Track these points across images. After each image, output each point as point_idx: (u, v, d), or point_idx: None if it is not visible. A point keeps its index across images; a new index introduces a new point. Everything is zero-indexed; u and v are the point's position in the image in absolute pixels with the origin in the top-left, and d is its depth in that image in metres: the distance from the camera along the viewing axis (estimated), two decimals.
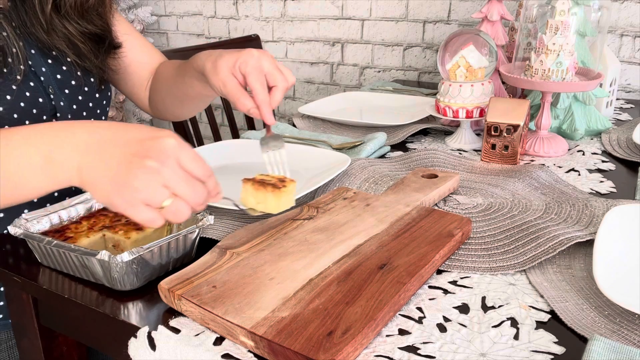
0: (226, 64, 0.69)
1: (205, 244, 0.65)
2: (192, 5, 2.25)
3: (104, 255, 0.55)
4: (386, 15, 1.78)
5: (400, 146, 1.05)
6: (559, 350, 0.48)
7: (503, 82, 1.13)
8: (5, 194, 0.49)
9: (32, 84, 0.77)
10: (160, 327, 0.52)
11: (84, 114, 0.86)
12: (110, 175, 0.47)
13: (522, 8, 1.10)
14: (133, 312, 0.55)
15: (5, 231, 0.75)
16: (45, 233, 0.64)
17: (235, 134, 1.60)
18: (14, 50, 0.73)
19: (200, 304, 0.51)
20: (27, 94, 0.76)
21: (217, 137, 1.55)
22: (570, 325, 0.51)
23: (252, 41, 1.65)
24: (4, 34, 0.72)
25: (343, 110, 1.28)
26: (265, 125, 0.71)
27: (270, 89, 0.68)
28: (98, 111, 0.90)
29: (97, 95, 0.88)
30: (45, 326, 0.68)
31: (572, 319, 0.52)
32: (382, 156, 0.99)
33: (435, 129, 1.14)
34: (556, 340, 0.49)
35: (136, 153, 0.48)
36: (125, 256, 0.54)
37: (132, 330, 0.53)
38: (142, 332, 0.52)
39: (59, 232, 0.65)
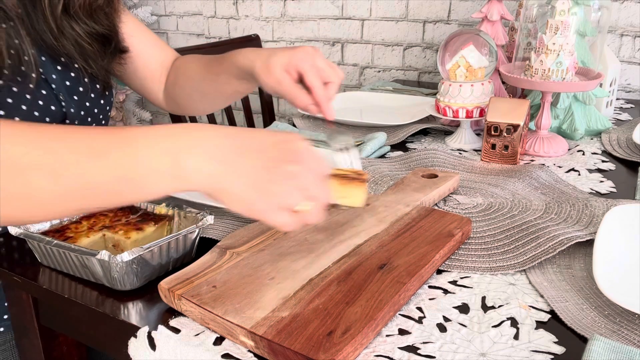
0: (280, 62, 0.69)
1: (205, 244, 0.65)
2: (192, 5, 2.25)
3: (104, 255, 0.55)
4: (386, 15, 1.78)
5: (400, 146, 1.05)
6: (559, 350, 0.48)
7: (503, 82, 1.13)
8: (127, 193, 0.48)
9: (44, 91, 0.76)
10: (160, 327, 0.52)
11: (89, 119, 0.86)
12: (250, 182, 0.47)
13: (522, 8, 1.10)
14: (133, 312, 0.55)
15: (5, 231, 0.75)
16: (45, 233, 0.64)
17: None
18: (26, 58, 0.72)
19: (200, 304, 0.51)
20: (41, 102, 0.75)
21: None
22: (570, 325, 0.51)
23: (252, 41, 1.65)
24: (16, 41, 0.71)
25: (343, 110, 1.28)
26: (326, 122, 0.72)
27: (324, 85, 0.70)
28: (101, 116, 0.89)
29: (101, 101, 0.87)
30: (45, 326, 0.68)
31: (572, 318, 0.52)
32: (382, 156, 0.99)
33: (435, 129, 1.14)
34: (556, 340, 0.49)
35: (274, 158, 0.48)
36: (125, 256, 0.54)
37: (132, 330, 0.53)
38: (142, 332, 0.52)
39: (59, 232, 0.65)
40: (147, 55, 0.93)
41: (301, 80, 0.71)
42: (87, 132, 0.48)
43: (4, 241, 0.70)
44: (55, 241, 0.59)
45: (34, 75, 0.72)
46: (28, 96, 0.73)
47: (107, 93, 0.88)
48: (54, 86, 0.78)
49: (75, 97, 0.81)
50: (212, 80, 0.84)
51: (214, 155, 0.47)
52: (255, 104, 2.00)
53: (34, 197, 0.45)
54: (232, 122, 1.60)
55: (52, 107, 0.77)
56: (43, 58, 0.77)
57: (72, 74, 0.81)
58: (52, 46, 0.77)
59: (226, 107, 1.57)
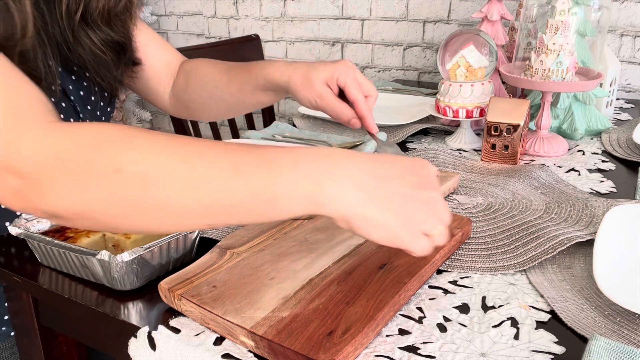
0: (322, 77, 0.70)
1: (205, 244, 0.65)
2: (192, 5, 2.25)
3: (104, 255, 0.55)
4: (386, 15, 1.78)
5: (400, 146, 1.04)
6: (559, 350, 0.48)
7: (503, 82, 1.13)
8: (260, 212, 0.46)
9: (63, 104, 0.75)
10: (161, 327, 0.52)
11: None
12: (393, 210, 0.47)
13: (522, 8, 1.10)
14: (133, 312, 0.55)
15: (5, 231, 0.75)
16: (45, 233, 0.64)
17: (235, 134, 1.60)
18: (45, 70, 0.69)
19: (200, 304, 0.51)
20: (62, 116, 0.74)
21: (217, 137, 1.56)
22: (570, 325, 0.51)
23: (252, 41, 1.65)
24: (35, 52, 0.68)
25: None
26: (370, 135, 0.74)
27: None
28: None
29: (108, 108, 0.86)
30: (45, 326, 0.68)
31: (572, 318, 0.52)
32: None
33: (435, 129, 1.14)
34: (556, 340, 0.49)
35: (413, 185, 0.48)
36: (125, 256, 0.54)
37: (132, 330, 0.53)
38: (142, 332, 0.52)
39: (59, 232, 0.65)
40: (150, 55, 0.91)
41: (339, 94, 0.72)
42: (227, 147, 0.47)
43: (4, 241, 0.70)
44: (56, 241, 0.59)
45: (53, 87, 0.70)
46: None
47: (108, 109, 0.87)
48: (72, 98, 0.77)
49: (89, 107, 0.80)
50: (235, 90, 0.83)
51: (355, 183, 0.46)
52: None
53: (166, 209, 0.44)
54: (232, 122, 1.60)
55: (72, 120, 0.76)
56: (59, 69, 0.75)
57: (85, 84, 0.80)
58: (67, 56, 0.75)
59: None
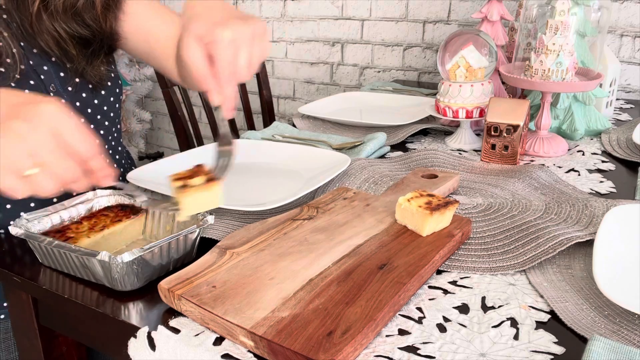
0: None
1: (205, 244, 0.65)
2: None
3: (104, 255, 0.55)
4: (386, 15, 1.78)
5: (400, 146, 1.05)
6: (559, 350, 0.48)
7: (503, 82, 1.13)
8: None
9: (32, 82, 0.78)
10: (160, 327, 0.52)
11: (89, 110, 0.87)
12: None
13: (522, 8, 1.11)
14: (133, 312, 0.55)
15: (5, 230, 0.76)
16: (46, 233, 0.64)
17: (235, 134, 1.60)
18: (14, 50, 0.75)
19: (200, 304, 0.51)
20: (26, 91, 0.77)
21: (217, 136, 1.55)
22: (570, 325, 0.51)
23: None
24: (5, 34, 0.73)
25: (343, 110, 1.28)
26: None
27: None
28: (105, 108, 0.89)
29: (95, 100, 0.87)
30: (45, 326, 0.68)
31: (572, 319, 0.52)
32: (382, 156, 0.99)
33: (435, 129, 1.14)
34: (556, 340, 0.49)
35: (7, 116, 0.46)
36: (126, 256, 0.54)
37: (132, 330, 0.53)
38: (142, 332, 0.52)
39: (59, 232, 0.65)
40: (156, 32, 0.88)
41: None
42: None
43: (4, 241, 0.70)
44: (56, 242, 0.59)
45: (22, 67, 0.75)
46: (13, 85, 0.76)
47: (102, 92, 0.88)
48: (43, 77, 0.80)
49: (70, 88, 0.84)
50: None
51: None
52: (255, 103, 1.99)
53: None
54: (231, 122, 1.60)
55: None
56: (34, 50, 0.79)
57: (68, 65, 0.83)
58: (38, 43, 0.79)
59: None
